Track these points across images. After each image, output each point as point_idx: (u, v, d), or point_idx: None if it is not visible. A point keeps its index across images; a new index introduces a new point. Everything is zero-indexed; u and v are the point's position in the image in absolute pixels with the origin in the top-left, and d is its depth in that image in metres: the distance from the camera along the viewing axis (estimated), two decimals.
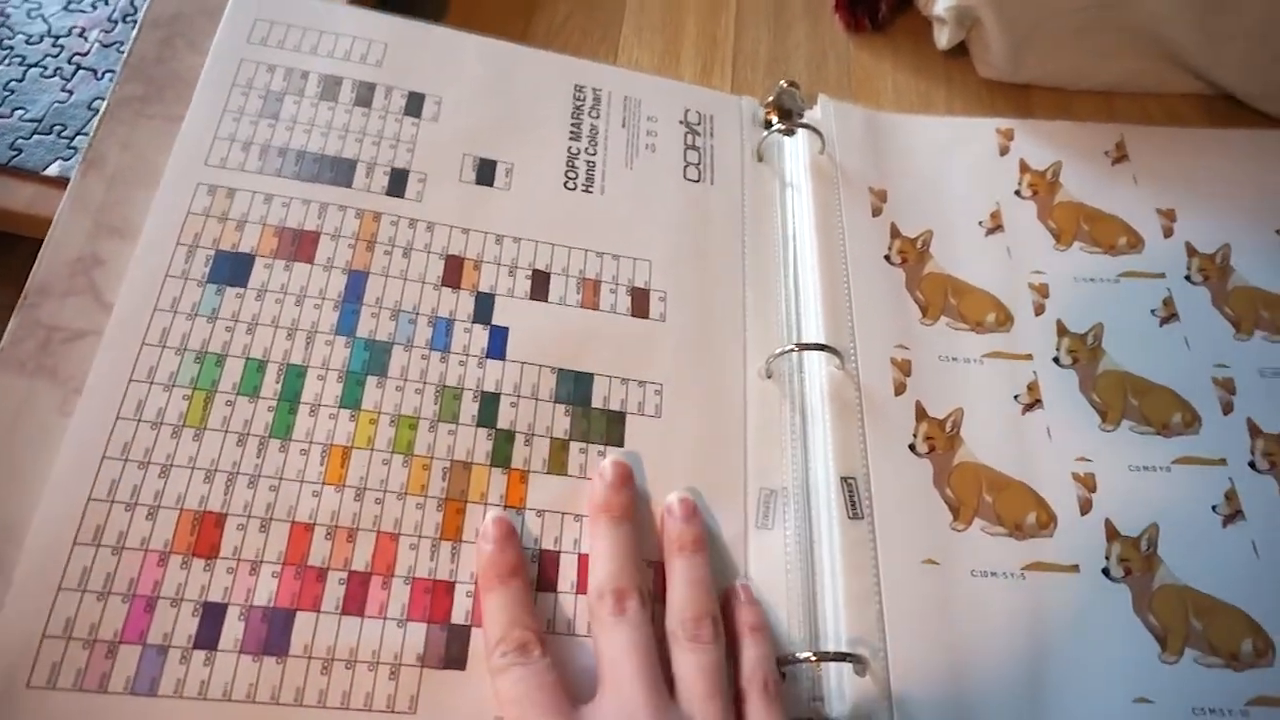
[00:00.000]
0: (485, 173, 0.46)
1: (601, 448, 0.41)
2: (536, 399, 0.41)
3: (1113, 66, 0.57)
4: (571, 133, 0.48)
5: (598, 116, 0.49)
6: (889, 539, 0.41)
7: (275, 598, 0.35)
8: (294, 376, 0.39)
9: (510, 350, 0.42)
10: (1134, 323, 0.49)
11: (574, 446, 0.41)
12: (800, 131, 0.51)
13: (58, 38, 0.50)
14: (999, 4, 0.54)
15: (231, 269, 0.40)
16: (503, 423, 0.40)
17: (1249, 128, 0.56)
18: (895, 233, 0.50)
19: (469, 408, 0.40)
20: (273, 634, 0.34)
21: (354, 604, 0.36)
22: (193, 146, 0.42)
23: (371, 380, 0.40)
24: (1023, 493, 0.43)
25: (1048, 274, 0.50)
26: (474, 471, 0.39)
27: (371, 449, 0.38)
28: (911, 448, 0.44)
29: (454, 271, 0.43)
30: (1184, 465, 0.45)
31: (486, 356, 0.41)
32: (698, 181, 0.49)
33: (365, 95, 0.46)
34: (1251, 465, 0.45)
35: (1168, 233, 0.52)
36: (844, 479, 0.42)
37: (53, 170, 0.45)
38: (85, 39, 0.50)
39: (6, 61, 0.48)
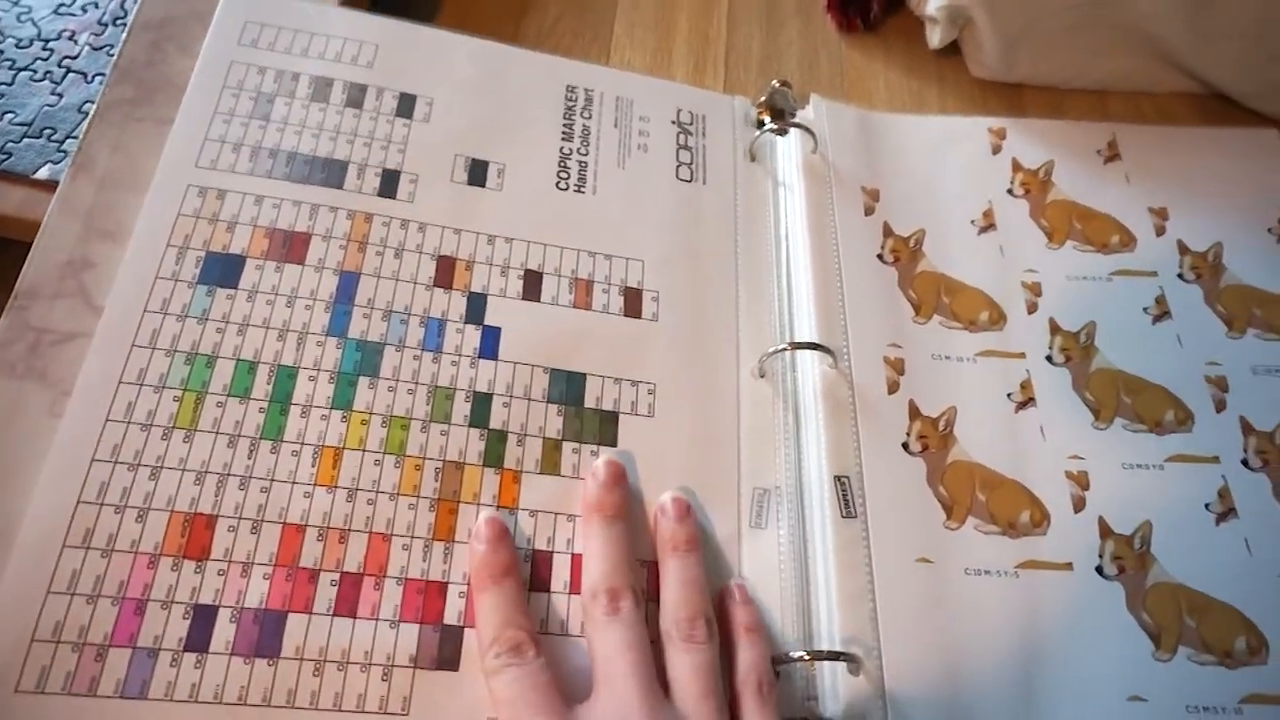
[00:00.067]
0: (477, 173, 0.46)
1: (594, 448, 0.41)
2: (529, 399, 0.41)
3: (1105, 65, 0.57)
4: (563, 133, 0.48)
5: (589, 117, 0.49)
6: (882, 538, 0.41)
7: (267, 599, 0.35)
8: (285, 378, 0.39)
9: (502, 350, 0.42)
10: (1127, 321, 0.49)
11: (567, 446, 0.40)
12: (793, 131, 0.51)
13: (47, 41, 0.50)
14: (991, 3, 0.54)
15: (222, 270, 0.40)
16: (495, 423, 0.40)
17: (1241, 126, 0.56)
18: (888, 232, 0.50)
19: (461, 408, 0.40)
20: (264, 636, 0.34)
21: (346, 605, 0.35)
22: (183, 148, 0.42)
23: (363, 381, 0.39)
24: (1016, 491, 0.43)
25: (1040, 272, 0.50)
26: (466, 472, 0.39)
27: (363, 450, 0.38)
28: (905, 446, 0.44)
29: (446, 272, 0.43)
30: (1177, 463, 0.45)
31: (478, 357, 0.41)
32: (690, 181, 0.49)
33: (356, 96, 0.46)
34: (1244, 463, 0.45)
35: (1160, 231, 0.52)
36: (837, 478, 0.42)
37: (43, 173, 0.45)
38: (75, 42, 0.50)
39: None
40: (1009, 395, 0.46)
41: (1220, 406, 0.46)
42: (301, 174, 0.43)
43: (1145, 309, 0.49)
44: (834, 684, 0.38)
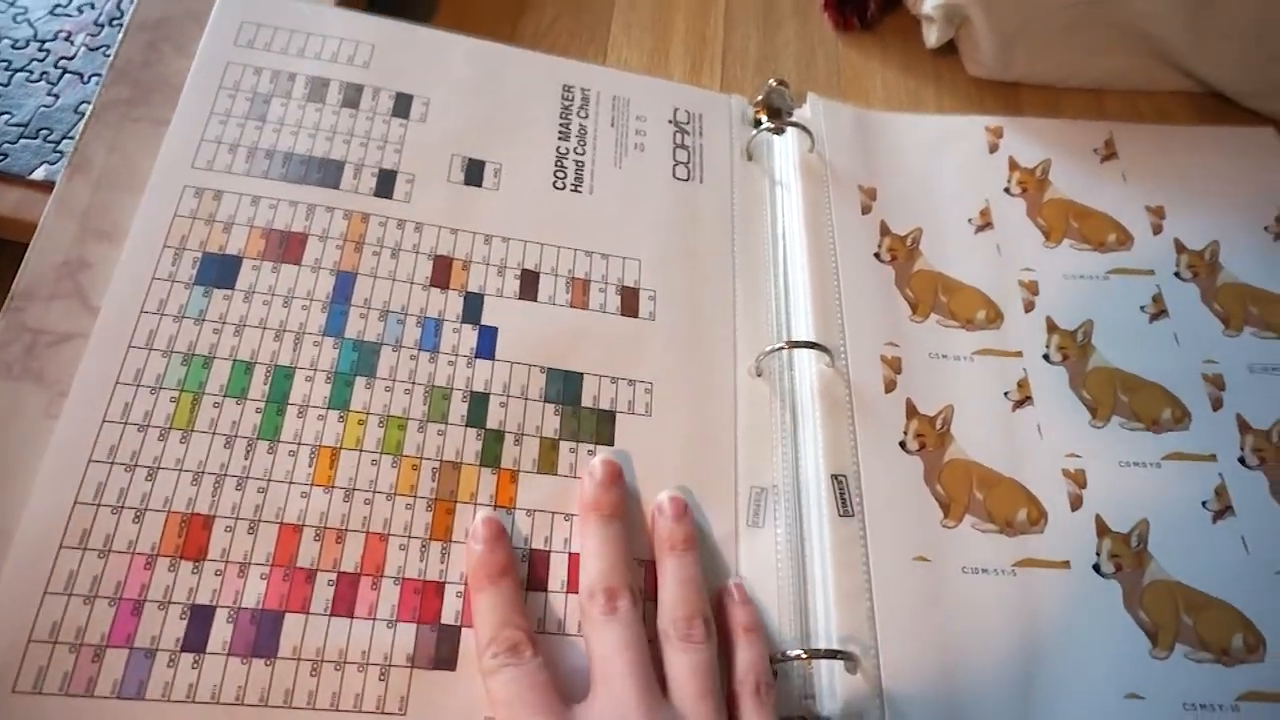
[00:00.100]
0: (474, 173, 0.46)
1: (591, 447, 0.41)
2: (526, 398, 0.41)
3: (1101, 64, 0.57)
4: (560, 132, 0.48)
5: (586, 116, 0.49)
6: (880, 536, 0.41)
7: (264, 599, 0.35)
8: (282, 378, 0.39)
9: (499, 350, 0.42)
10: (1124, 319, 0.49)
11: (564, 446, 0.40)
12: (790, 130, 0.51)
13: (44, 42, 0.49)
14: (987, 2, 0.54)
15: (219, 271, 0.40)
16: (492, 422, 0.40)
17: (1238, 125, 0.56)
18: (885, 230, 0.50)
19: (458, 408, 0.40)
20: (261, 636, 0.34)
21: (343, 605, 0.35)
22: (179, 149, 0.42)
23: (360, 381, 0.39)
24: (1013, 489, 0.43)
25: (1037, 271, 0.50)
26: (463, 471, 0.39)
27: (360, 450, 0.38)
28: (902, 445, 0.44)
29: (442, 272, 0.43)
30: (1174, 461, 0.45)
31: (475, 356, 0.41)
32: (687, 180, 0.49)
33: (353, 96, 0.46)
34: (1241, 461, 0.45)
35: (1157, 230, 0.52)
36: (834, 476, 0.42)
37: (39, 174, 0.45)
38: (71, 43, 0.50)
39: None
40: (1006, 394, 0.46)
41: (1217, 405, 0.46)
42: (298, 174, 0.43)
43: (1142, 307, 0.49)
44: (831, 682, 0.38)
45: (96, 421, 0.36)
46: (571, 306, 0.44)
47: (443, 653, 0.35)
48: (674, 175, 0.49)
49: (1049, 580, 0.41)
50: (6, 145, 0.46)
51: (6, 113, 0.47)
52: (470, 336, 0.42)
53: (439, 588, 0.37)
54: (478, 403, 0.40)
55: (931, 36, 0.57)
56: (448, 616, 0.36)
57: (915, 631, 0.39)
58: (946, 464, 0.44)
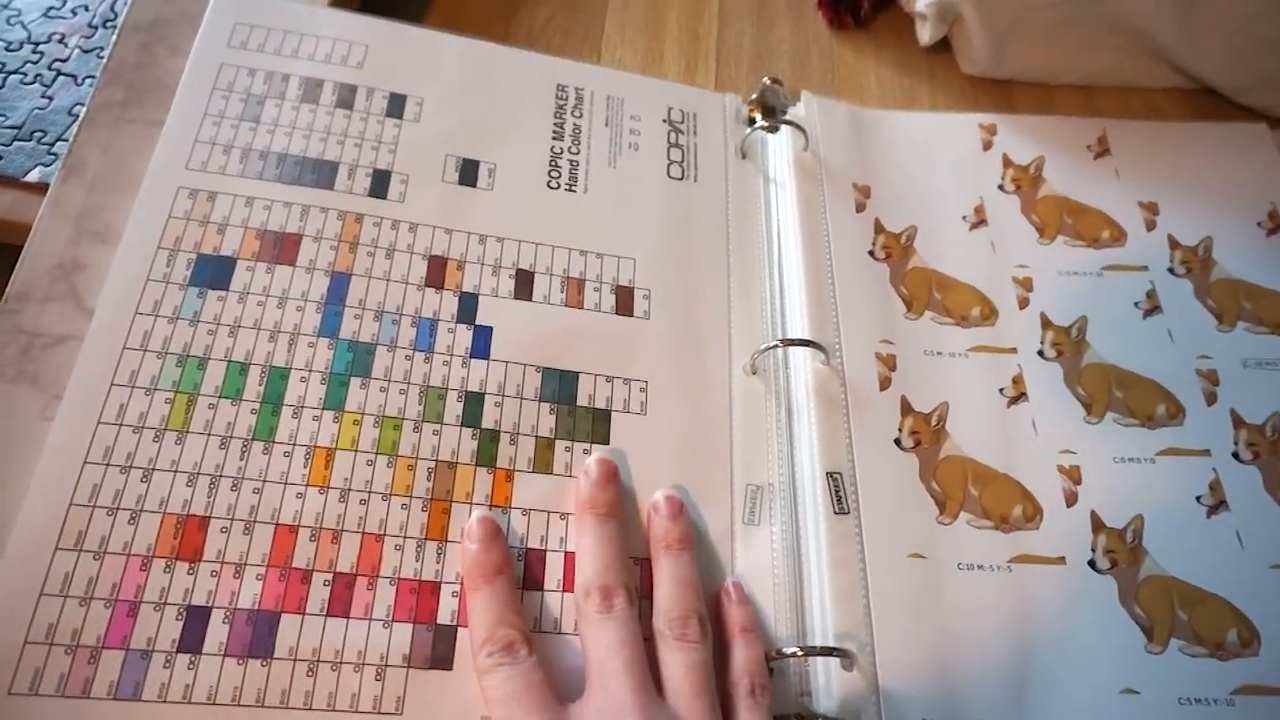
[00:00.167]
0: (468, 173, 0.46)
1: (587, 446, 0.41)
2: (521, 398, 0.41)
3: (1094, 61, 0.57)
4: (554, 132, 0.48)
5: (580, 116, 0.49)
6: (875, 533, 0.41)
7: (260, 600, 0.35)
8: (277, 379, 0.39)
9: (494, 350, 0.42)
10: (1117, 315, 0.49)
11: (559, 445, 0.40)
12: (784, 128, 0.51)
13: (37, 44, 0.49)
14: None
15: (213, 272, 0.40)
16: (487, 422, 0.40)
17: (1230, 121, 0.56)
18: (879, 228, 0.50)
19: (453, 408, 0.40)
20: (257, 636, 0.34)
21: (339, 605, 0.35)
22: (173, 150, 0.42)
23: (355, 381, 0.40)
24: (1008, 486, 0.43)
25: (1031, 268, 0.50)
26: (459, 471, 0.39)
27: (355, 450, 0.38)
28: (897, 442, 0.44)
29: (437, 272, 0.43)
30: (1168, 456, 0.45)
31: (470, 356, 0.41)
32: (681, 179, 0.49)
33: (346, 97, 0.46)
34: (1235, 456, 0.45)
35: (1150, 226, 0.52)
36: (830, 474, 0.42)
37: (33, 176, 0.45)
38: (65, 45, 0.50)
39: None
40: (1001, 390, 0.46)
41: (1211, 400, 0.46)
42: (292, 175, 0.43)
43: (1136, 303, 0.49)
44: (828, 680, 0.38)
45: (92, 423, 0.36)
46: (566, 306, 0.44)
47: (439, 652, 0.36)
48: (668, 174, 0.49)
49: (1044, 576, 0.41)
50: (1, 148, 0.46)
51: (0, 115, 0.47)
52: (465, 336, 0.42)
53: (435, 587, 0.37)
54: (473, 402, 0.40)
55: (925, 34, 0.57)
56: (444, 616, 0.36)
57: (911, 628, 0.39)
58: (942, 461, 0.44)
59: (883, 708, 0.37)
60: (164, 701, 0.33)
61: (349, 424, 0.39)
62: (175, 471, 0.36)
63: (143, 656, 0.33)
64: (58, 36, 0.50)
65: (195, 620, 0.34)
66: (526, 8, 0.59)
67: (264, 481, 0.37)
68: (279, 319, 0.40)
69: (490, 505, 0.39)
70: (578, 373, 0.42)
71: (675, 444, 0.42)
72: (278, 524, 0.36)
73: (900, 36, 0.60)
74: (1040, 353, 0.47)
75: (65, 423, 0.36)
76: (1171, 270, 0.50)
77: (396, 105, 0.46)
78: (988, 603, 0.40)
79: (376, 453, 0.38)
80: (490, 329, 0.42)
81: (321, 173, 0.44)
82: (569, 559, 0.38)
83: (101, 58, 0.48)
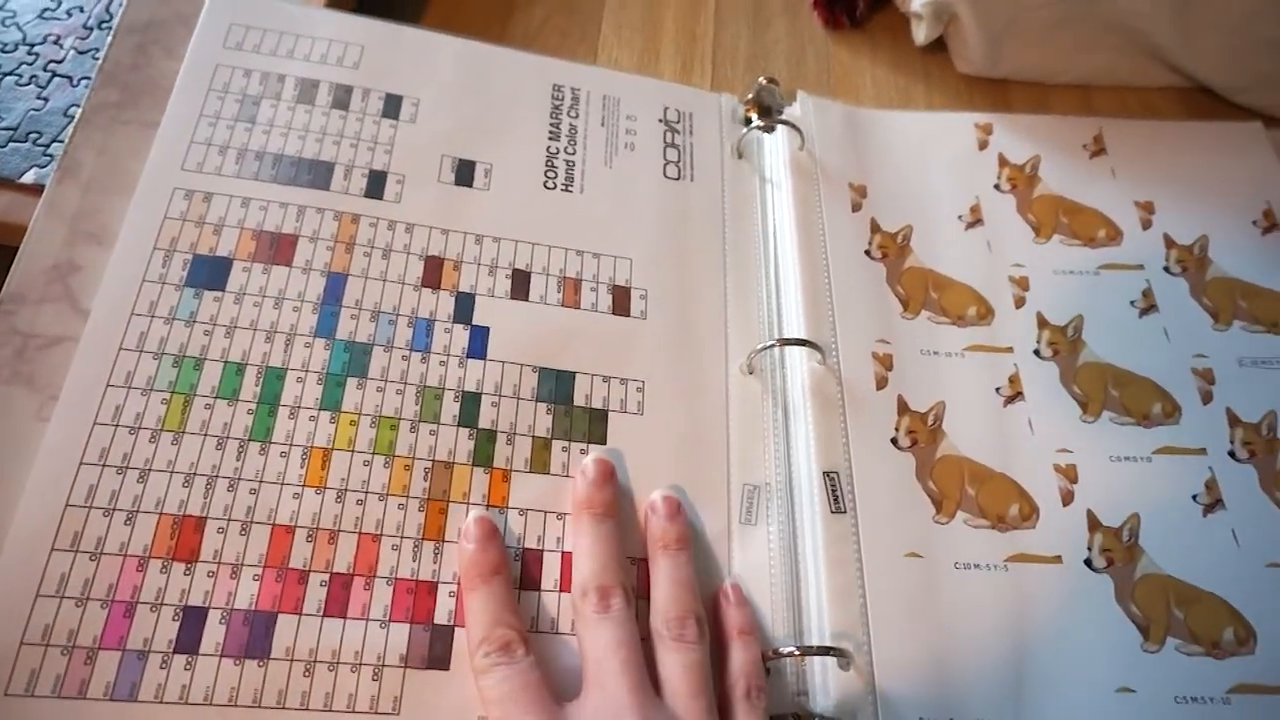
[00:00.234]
0: (464, 173, 0.46)
1: (584, 446, 0.41)
2: (518, 398, 0.41)
3: (1089, 60, 0.57)
4: (550, 132, 0.48)
5: (576, 116, 0.49)
6: (872, 533, 0.41)
7: (256, 600, 0.35)
8: (273, 379, 0.39)
9: (491, 350, 0.42)
10: (1114, 314, 0.49)
11: (556, 445, 0.40)
12: (780, 128, 0.51)
13: (33, 45, 0.49)
14: None
15: (209, 272, 0.40)
16: (484, 422, 0.40)
17: (1225, 120, 0.56)
18: (875, 228, 0.50)
19: (450, 408, 0.40)
20: (254, 637, 0.34)
21: (336, 606, 0.35)
22: (169, 151, 0.42)
23: (352, 382, 0.39)
24: (1005, 485, 0.43)
25: (1028, 267, 0.50)
26: (456, 471, 0.39)
27: (352, 450, 0.38)
28: (893, 441, 0.44)
29: (434, 272, 0.43)
30: (1164, 455, 0.45)
31: (467, 356, 0.41)
32: (678, 179, 0.49)
33: (342, 98, 0.46)
34: (1231, 454, 0.45)
35: (1146, 225, 0.52)
36: (826, 473, 0.42)
37: (29, 178, 0.45)
38: (60, 46, 0.50)
39: None
40: (997, 389, 0.46)
41: (1207, 398, 0.46)
42: (288, 176, 0.43)
43: (1132, 302, 0.49)
44: (824, 679, 0.38)
45: (88, 424, 0.36)
46: (563, 306, 0.44)
47: (436, 652, 0.36)
48: (664, 174, 0.49)
49: (1041, 575, 0.41)
50: None
51: None
52: (462, 336, 0.42)
53: (432, 587, 0.37)
54: (469, 403, 0.40)
55: (920, 34, 0.58)
56: (441, 616, 0.36)
57: (908, 627, 0.39)
58: (938, 460, 0.44)
59: (879, 707, 0.37)
60: (160, 702, 0.33)
61: (346, 424, 0.39)
62: (171, 472, 0.36)
63: (139, 657, 0.33)
64: (53, 38, 0.50)
65: (192, 621, 0.34)
66: (522, 8, 0.59)
67: (261, 482, 0.37)
68: (275, 319, 0.40)
69: (487, 505, 0.39)
70: (574, 373, 0.42)
71: (672, 444, 0.42)
72: (274, 524, 0.36)
73: (896, 36, 0.60)
74: (1036, 352, 0.47)
75: (61, 424, 0.36)
76: (1167, 269, 0.50)
77: (392, 106, 0.46)
78: (984, 602, 0.40)
79: (373, 453, 0.38)
80: (487, 329, 0.42)
81: (317, 173, 0.44)
82: (566, 559, 0.38)
83: (97, 59, 0.47)
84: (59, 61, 0.49)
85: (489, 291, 0.43)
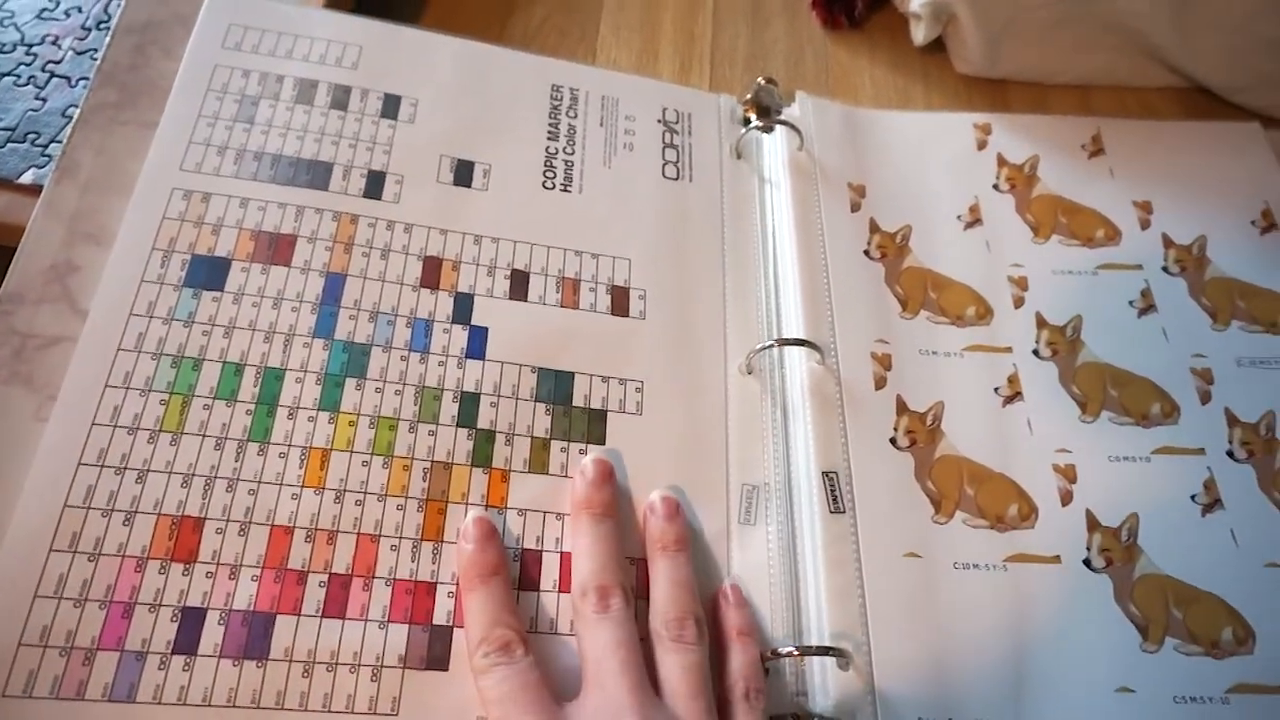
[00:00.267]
0: (463, 173, 0.46)
1: (583, 446, 0.41)
2: (517, 398, 0.41)
3: (1088, 60, 0.57)
4: (549, 133, 0.48)
5: (575, 116, 0.49)
6: (871, 533, 0.41)
7: (255, 601, 0.35)
8: (272, 379, 0.39)
9: (490, 350, 0.42)
10: (1112, 314, 0.49)
11: (555, 445, 0.40)
12: (778, 128, 0.51)
13: (31, 46, 0.49)
14: None
15: (208, 273, 0.40)
16: (483, 423, 0.40)
17: (1223, 120, 0.56)
18: (874, 228, 0.50)
19: (449, 408, 0.40)
20: (253, 637, 0.34)
21: (335, 606, 0.35)
22: (167, 152, 0.42)
23: (350, 382, 0.39)
24: (1004, 485, 0.43)
25: (1026, 267, 0.50)
26: (454, 472, 0.39)
27: (351, 451, 0.38)
28: (892, 441, 0.44)
29: (432, 272, 0.43)
30: (1163, 455, 0.45)
31: (466, 357, 0.41)
32: (676, 179, 0.49)
33: (341, 98, 0.46)
34: (1230, 454, 0.45)
35: (1145, 225, 0.52)
36: (825, 473, 0.42)
37: (27, 178, 0.45)
38: (59, 47, 0.50)
39: None
40: (996, 389, 0.46)
41: (1205, 399, 0.46)
42: (286, 176, 0.43)
43: (1131, 302, 0.49)
44: (824, 679, 0.38)
45: (86, 424, 0.36)
46: (562, 306, 0.44)
47: (435, 653, 0.35)
48: (663, 174, 0.49)
49: (1040, 575, 0.41)
50: None
51: None
52: (460, 337, 0.42)
53: (430, 588, 0.37)
54: (468, 403, 0.40)
55: (919, 34, 0.58)
56: (439, 617, 0.36)
57: (907, 627, 0.39)
58: (937, 460, 0.44)
59: (878, 707, 0.37)
60: (159, 703, 0.33)
61: (344, 425, 0.39)
62: (170, 473, 0.36)
63: (138, 658, 0.33)
64: (51, 38, 0.50)
65: (190, 621, 0.34)
66: (521, 8, 0.59)
67: (259, 482, 0.37)
68: (274, 320, 0.40)
69: (486, 505, 0.39)
70: (573, 373, 0.42)
71: (671, 444, 0.42)
72: (273, 525, 0.36)
73: (895, 36, 0.60)
74: (1035, 352, 0.47)
75: (59, 424, 0.36)
76: (1166, 269, 0.50)
77: (391, 106, 0.46)
78: (983, 602, 0.40)
79: (372, 453, 0.38)
80: (485, 329, 0.42)
81: (316, 173, 0.44)
82: (565, 559, 0.38)
83: (95, 59, 0.47)
84: (57, 62, 0.49)
85: (488, 292, 0.43)
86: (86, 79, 0.48)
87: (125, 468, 0.36)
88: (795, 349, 0.45)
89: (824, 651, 0.38)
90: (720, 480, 0.42)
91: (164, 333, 0.39)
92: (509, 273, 0.44)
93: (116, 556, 0.34)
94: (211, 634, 0.34)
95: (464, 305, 0.42)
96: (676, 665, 0.35)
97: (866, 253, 0.49)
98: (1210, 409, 0.46)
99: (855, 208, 0.51)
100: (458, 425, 0.40)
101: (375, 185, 0.44)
